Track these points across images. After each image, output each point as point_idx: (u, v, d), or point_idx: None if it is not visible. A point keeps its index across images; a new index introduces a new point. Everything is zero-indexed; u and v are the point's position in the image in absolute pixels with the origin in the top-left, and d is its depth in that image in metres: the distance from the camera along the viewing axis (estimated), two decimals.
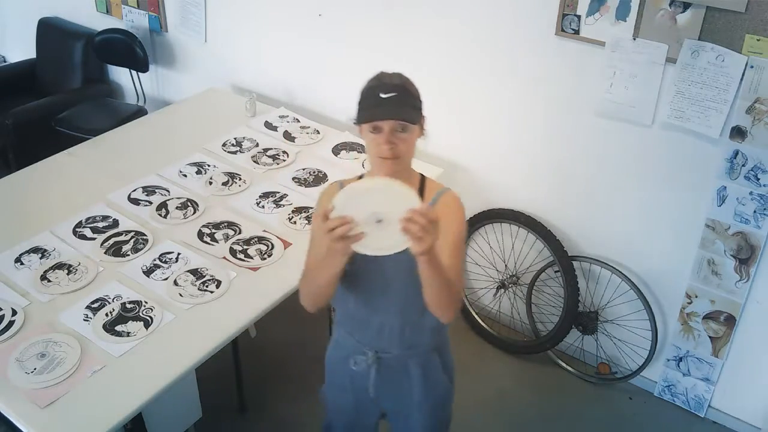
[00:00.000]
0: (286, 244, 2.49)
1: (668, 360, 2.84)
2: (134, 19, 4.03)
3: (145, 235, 2.51)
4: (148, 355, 2.04)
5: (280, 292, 2.29)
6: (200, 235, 2.53)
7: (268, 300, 2.26)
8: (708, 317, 2.67)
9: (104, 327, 2.11)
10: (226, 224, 2.59)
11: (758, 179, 2.38)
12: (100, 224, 2.57)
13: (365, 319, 1.78)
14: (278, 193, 2.79)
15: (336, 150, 3.09)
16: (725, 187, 2.45)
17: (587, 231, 2.89)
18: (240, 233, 2.54)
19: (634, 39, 2.43)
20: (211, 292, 2.26)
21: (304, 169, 2.95)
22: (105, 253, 2.42)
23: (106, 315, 2.15)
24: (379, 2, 3.03)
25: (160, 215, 2.63)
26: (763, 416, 2.73)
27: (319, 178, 2.89)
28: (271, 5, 3.43)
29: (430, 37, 2.94)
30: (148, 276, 2.33)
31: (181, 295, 2.24)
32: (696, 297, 2.66)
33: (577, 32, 2.54)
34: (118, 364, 2.00)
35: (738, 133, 2.36)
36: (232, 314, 2.19)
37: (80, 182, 2.86)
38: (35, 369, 1.96)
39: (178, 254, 2.43)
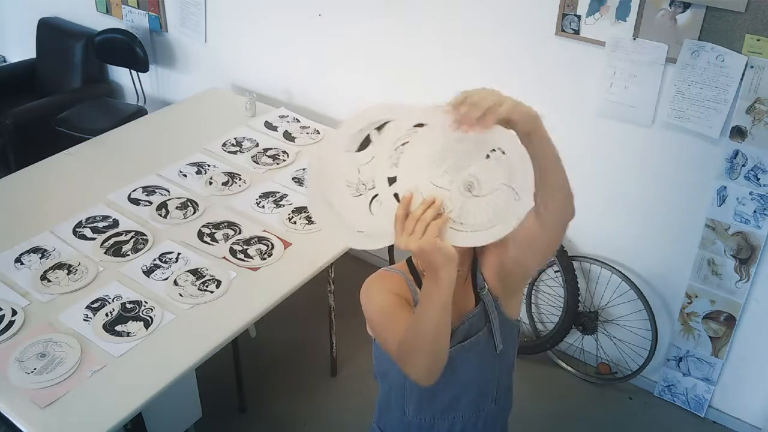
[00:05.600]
0: (286, 244, 2.49)
1: (668, 360, 2.84)
2: (134, 19, 4.03)
3: (145, 235, 2.51)
4: (148, 355, 2.04)
5: (280, 292, 2.29)
6: (200, 235, 2.53)
7: (268, 300, 2.26)
8: (708, 317, 2.67)
9: (104, 327, 2.11)
10: (226, 224, 2.59)
11: (758, 179, 2.37)
12: (100, 224, 2.57)
13: (428, 424, 1.52)
14: (278, 193, 2.79)
15: None
16: (725, 187, 2.45)
17: (587, 231, 2.89)
18: (240, 233, 2.54)
19: (634, 39, 2.43)
20: (211, 292, 2.26)
21: (304, 169, 2.95)
22: (105, 253, 2.42)
23: (106, 315, 2.15)
24: (379, 3, 3.03)
25: (160, 215, 2.63)
26: (763, 416, 2.73)
27: None
28: (271, 5, 3.43)
29: (430, 38, 2.94)
30: (148, 276, 2.33)
31: (181, 295, 2.24)
32: (696, 297, 2.66)
33: (577, 32, 2.54)
34: (118, 364, 2.00)
35: (738, 133, 2.36)
36: (232, 314, 2.19)
37: (80, 182, 2.86)
38: (35, 369, 1.96)
39: (178, 254, 2.43)
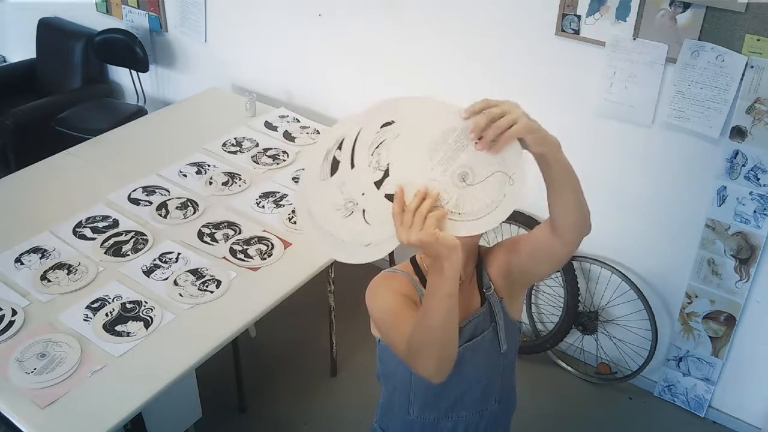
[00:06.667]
0: (286, 244, 2.49)
1: (668, 360, 2.84)
2: (134, 19, 4.03)
3: (145, 235, 2.51)
4: (148, 355, 2.04)
5: (280, 292, 2.29)
6: (200, 235, 2.53)
7: (268, 300, 2.26)
8: (708, 317, 2.67)
9: (104, 327, 2.11)
10: (226, 224, 2.59)
11: (758, 179, 2.37)
12: (100, 224, 2.57)
13: (432, 424, 1.51)
14: (278, 193, 2.79)
15: None
16: (725, 187, 2.45)
17: None
18: (240, 233, 2.54)
19: (634, 39, 2.43)
20: (211, 292, 2.26)
21: (304, 170, 2.94)
22: (105, 253, 2.42)
23: (106, 315, 2.15)
24: (379, 2, 3.03)
25: (160, 215, 2.63)
26: (763, 416, 2.73)
27: None
28: (271, 5, 3.43)
29: (430, 38, 2.94)
30: (148, 276, 2.33)
31: (181, 295, 2.24)
32: (696, 297, 2.66)
33: (577, 32, 2.54)
34: (118, 364, 2.00)
35: (738, 133, 2.36)
36: (232, 314, 2.19)
37: (80, 182, 2.86)
38: (35, 369, 1.96)
39: (178, 254, 2.43)
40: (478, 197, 1.14)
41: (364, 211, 1.16)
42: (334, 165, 1.19)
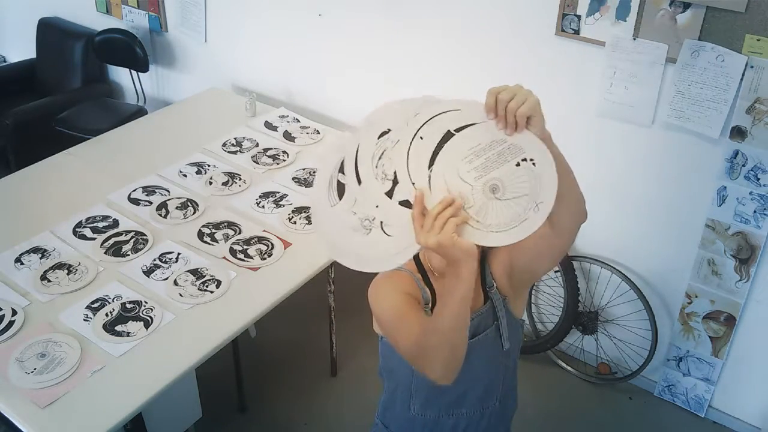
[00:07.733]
0: (286, 244, 2.49)
1: (668, 360, 2.84)
2: (134, 19, 4.03)
3: (145, 235, 2.51)
4: (148, 355, 2.04)
5: (280, 292, 2.29)
6: (200, 235, 2.53)
7: (268, 300, 2.26)
8: (708, 317, 2.67)
9: (104, 327, 2.11)
10: (226, 224, 2.59)
11: (758, 179, 2.37)
12: (100, 224, 2.57)
13: (433, 421, 1.52)
14: (278, 193, 2.79)
15: None
16: (725, 187, 2.45)
17: (587, 231, 2.87)
18: (240, 233, 2.54)
19: (634, 39, 2.43)
20: (211, 292, 2.26)
21: (304, 169, 2.95)
22: (105, 253, 2.42)
23: (106, 315, 2.15)
24: (379, 2, 3.03)
25: (160, 215, 2.63)
26: (763, 416, 2.73)
27: None
28: (272, 5, 3.43)
29: (430, 38, 2.94)
30: (148, 276, 2.33)
31: (181, 295, 2.24)
32: (696, 297, 2.66)
33: (577, 32, 2.54)
34: (118, 364, 2.00)
35: (738, 133, 2.36)
36: (232, 314, 2.19)
37: (80, 182, 2.86)
38: (35, 369, 1.96)
39: (178, 254, 2.43)
40: (501, 213, 1.16)
41: (382, 223, 1.18)
42: (340, 188, 1.21)
